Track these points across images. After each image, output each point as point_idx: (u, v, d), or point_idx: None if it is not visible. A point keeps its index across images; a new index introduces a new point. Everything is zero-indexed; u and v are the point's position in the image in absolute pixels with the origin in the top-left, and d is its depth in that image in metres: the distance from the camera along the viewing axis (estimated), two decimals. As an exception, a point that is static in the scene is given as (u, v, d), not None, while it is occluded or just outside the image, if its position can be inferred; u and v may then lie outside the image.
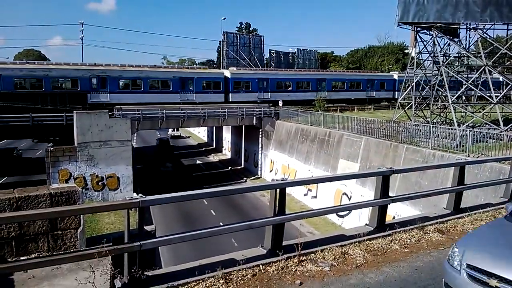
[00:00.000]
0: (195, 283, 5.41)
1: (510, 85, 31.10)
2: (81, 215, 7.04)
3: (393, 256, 6.67)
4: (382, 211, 7.83)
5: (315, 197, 32.12)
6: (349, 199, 27.53)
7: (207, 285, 5.39)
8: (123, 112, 34.99)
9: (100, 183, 32.32)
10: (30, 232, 6.60)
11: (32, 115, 32.13)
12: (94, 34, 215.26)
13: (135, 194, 5.34)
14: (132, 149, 36.73)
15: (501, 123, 27.82)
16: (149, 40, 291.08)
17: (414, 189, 20.23)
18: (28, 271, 5.39)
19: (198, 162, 54.79)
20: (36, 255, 6.37)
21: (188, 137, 79.22)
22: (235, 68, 54.32)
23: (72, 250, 6.53)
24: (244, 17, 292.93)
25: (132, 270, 5.18)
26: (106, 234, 13.81)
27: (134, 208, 5.26)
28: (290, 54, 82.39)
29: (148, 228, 6.51)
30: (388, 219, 8.28)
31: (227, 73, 50.30)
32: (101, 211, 9.09)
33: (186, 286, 5.36)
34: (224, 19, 76.28)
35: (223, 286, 5.38)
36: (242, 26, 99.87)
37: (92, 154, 31.83)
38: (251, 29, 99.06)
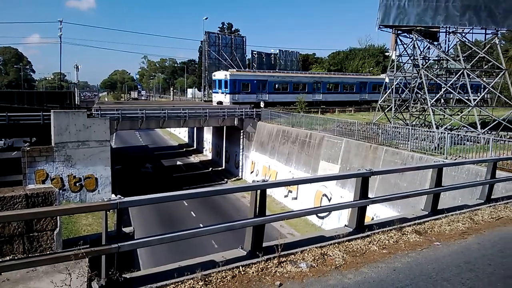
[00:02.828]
0: (174, 285, 5.35)
1: (487, 89, 31.79)
2: (58, 217, 6.89)
3: (372, 257, 6.72)
4: (361, 212, 7.88)
5: (296, 198, 32.24)
6: (329, 200, 27.72)
7: (186, 287, 5.33)
8: (101, 112, 34.54)
9: (77, 184, 31.81)
10: (5, 233, 6.44)
11: (9, 114, 31.41)
12: (74, 32, 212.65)
13: (113, 195, 5.27)
14: (111, 149, 36.30)
15: (478, 126, 28.35)
16: (129, 39, 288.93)
17: (393, 190, 20.48)
18: (2, 273, 5.25)
19: (178, 163, 54.46)
20: (11, 257, 6.22)
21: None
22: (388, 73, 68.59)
23: (48, 252, 6.40)
24: (226, 17, 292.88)
25: (110, 273, 5.10)
26: (83, 236, 13.64)
27: (112, 209, 5.18)
28: (272, 55, 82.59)
29: (126, 229, 6.42)
30: (367, 220, 8.35)
31: (387, 78, 61.94)
32: (79, 213, 8.94)
33: (164, 288, 5.30)
34: (206, 19, 76.01)
35: (202, 288, 5.35)
36: (224, 26, 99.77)
37: (70, 154, 31.30)
38: (233, 29, 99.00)
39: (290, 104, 51.47)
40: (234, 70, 55.53)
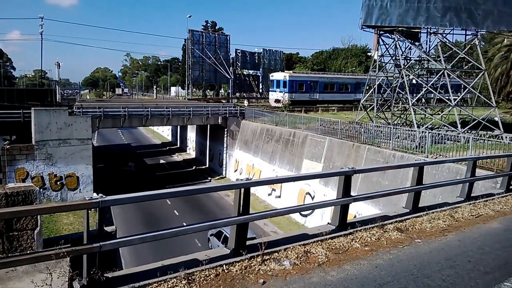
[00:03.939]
0: (156, 284, 5.32)
1: (467, 89, 32.30)
2: (38, 216, 6.80)
3: (354, 254, 6.79)
4: (344, 210, 7.94)
5: (279, 196, 32.32)
6: (312, 198, 27.87)
7: (169, 286, 5.31)
8: (83, 110, 34.10)
9: (58, 183, 31.33)
10: (-17, 233, 6.32)
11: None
12: (55, 29, 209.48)
13: (95, 194, 5.20)
14: (93, 148, 35.87)
15: (459, 125, 28.77)
16: (111, 36, 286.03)
17: (375, 188, 20.69)
18: (-20, 274, 5.16)
19: (161, 161, 54.11)
20: (-11, 257, 6.11)
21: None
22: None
23: (28, 252, 6.31)
24: (210, 16, 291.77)
25: (92, 272, 5.04)
26: (65, 235, 13.47)
27: (94, 208, 5.12)
28: (256, 54, 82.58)
29: (108, 229, 6.37)
30: (350, 218, 8.42)
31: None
32: (60, 212, 8.80)
33: (147, 288, 5.27)
34: (189, 16, 75.59)
35: (186, 286, 5.32)
36: (208, 24, 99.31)
37: (51, 152, 30.81)
38: (217, 27, 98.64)
39: (333, 102, 58.39)
40: (291, 71, 63.58)
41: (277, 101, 57.43)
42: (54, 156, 30.96)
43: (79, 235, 5.55)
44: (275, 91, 59.11)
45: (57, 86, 56.55)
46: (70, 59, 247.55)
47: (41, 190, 29.12)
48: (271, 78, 62.17)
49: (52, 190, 31.17)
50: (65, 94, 71.15)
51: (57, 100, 46.78)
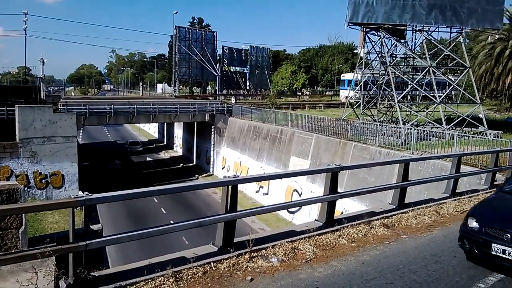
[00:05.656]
0: (144, 283, 5.29)
1: (452, 86, 32.65)
2: (23, 214, 6.70)
3: (341, 251, 6.84)
4: (331, 206, 7.99)
5: (267, 193, 32.36)
6: (300, 195, 27.95)
7: (157, 284, 5.29)
8: (68, 107, 33.71)
9: (43, 181, 30.93)
10: (-33, 232, 6.21)
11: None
12: (40, 26, 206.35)
13: (80, 192, 5.16)
14: (78, 145, 35.50)
15: (444, 122, 29.04)
16: (97, 33, 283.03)
17: (361, 185, 20.75)
18: (-37, 274, 5.07)
19: (148, 159, 53.75)
20: (-28, 257, 6.00)
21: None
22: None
23: (13, 251, 6.21)
24: (196, 12, 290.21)
25: (78, 271, 5.00)
26: (50, 233, 13.31)
27: (79, 206, 5.07)
28: (243, 51, 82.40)
29: (94, 227, 6.30)
30: (337, 214, 8.48)
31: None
32: (45, 210, 8.69)
33: (134, 286, 5.23)
34: (176, 13, 74.88)
35: (173, 284, 5.31)
36: (195, 21, 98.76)
37: (35, 150, 30.41)
38: (203, 24, 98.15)
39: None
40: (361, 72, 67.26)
41: (347, 98, 63.30)
42: (39, 154, 30.57)
43: (64, 233, 5.49)
44: (346, 89, 65.69)
45: (41, 83, 55.71)
46: (55, 56, 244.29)
47: (26, 188, 28.72)
48: (342, 78, 70.26)
49: (37, 189, 30.78)
50: (50, 91, 70.26)
51: (42, 97, 46.12)
